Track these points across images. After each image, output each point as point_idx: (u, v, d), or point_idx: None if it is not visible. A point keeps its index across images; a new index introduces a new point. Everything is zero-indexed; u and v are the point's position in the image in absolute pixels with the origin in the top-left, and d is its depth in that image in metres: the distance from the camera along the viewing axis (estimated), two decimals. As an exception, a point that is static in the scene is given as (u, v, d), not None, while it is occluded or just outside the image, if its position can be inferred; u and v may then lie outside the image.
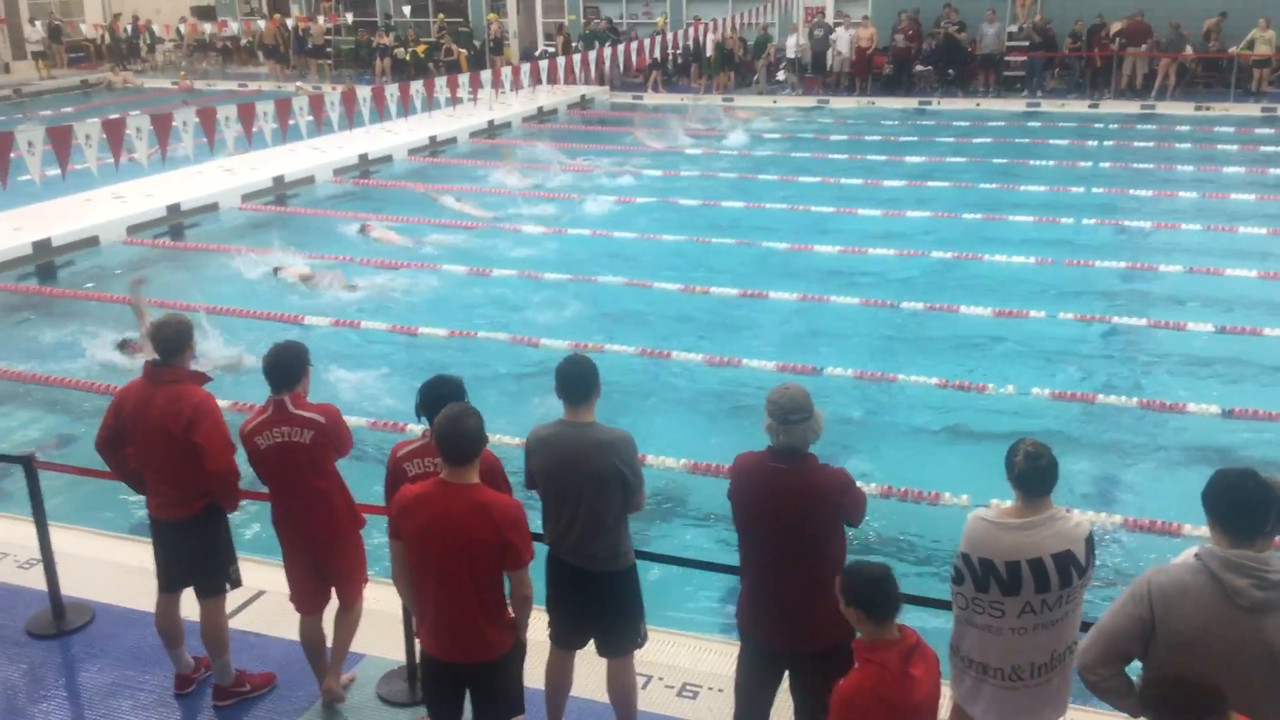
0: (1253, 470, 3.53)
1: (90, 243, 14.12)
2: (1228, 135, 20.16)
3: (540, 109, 24.28)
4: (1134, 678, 3.62)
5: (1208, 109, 22.83)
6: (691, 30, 26.88)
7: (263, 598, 6.03)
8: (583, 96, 25.95)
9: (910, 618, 5.56)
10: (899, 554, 6.99)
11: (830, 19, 27.49)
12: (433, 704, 4.44)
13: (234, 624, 5.51)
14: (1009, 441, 3.96)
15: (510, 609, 4.23)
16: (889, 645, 3.62)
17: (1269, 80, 23.97)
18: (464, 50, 28.90)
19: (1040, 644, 3.92)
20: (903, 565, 6.88)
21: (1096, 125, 21.78)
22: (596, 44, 26.28)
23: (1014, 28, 25.52)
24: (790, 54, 26.84)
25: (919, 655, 3.66)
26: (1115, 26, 24.28)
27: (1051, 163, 18.19)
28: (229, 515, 5.22)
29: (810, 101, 25.49)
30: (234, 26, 32.75)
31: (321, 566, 5.06)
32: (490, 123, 22.55)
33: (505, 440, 7.79)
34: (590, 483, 4.50)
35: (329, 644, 5.21)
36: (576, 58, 23.87)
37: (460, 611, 4.13)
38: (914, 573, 6.70)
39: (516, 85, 22.50)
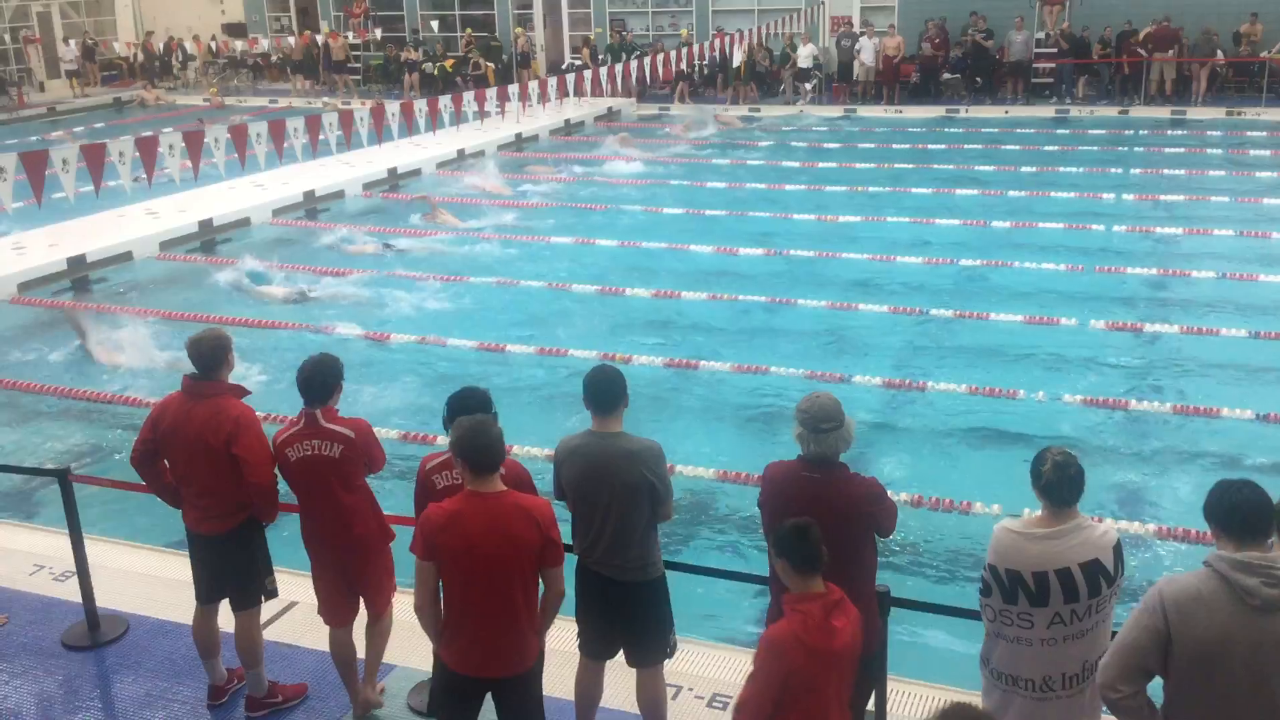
0: (1249, 480, 3.53)
1: (124, 258, 14.29)
2: (1260, 140, 19.96)
3: (567, 121, 24.38)
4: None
5: (1239, 114, 22.61)
6: (717, 42, 26.92)
7: (294, 609, 6.07)
8: (609, 109, 26.03)
9: (942, 627, 5.56)
10: (930, 564, 6.96)
11: (857, 28, 27.45)
12: None
13: (266, 635, 5.54)
14: (1039, 448, 3.93)
15: (540, 612, 4.26)
16: (814, 598, 3.80)
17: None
18: (491, 64, 29.08)
19: (1071, 654, 3.89)
20: (934, 575, 6.86)
21: (1126, 132, 21.63)
22: (623, 57, 26.38)
23: (1042, 35, 25.39)
24: (802, 64, 26.87)
25: (841, 610, 3.83)
26: (1143, 32, 24.10)
27: (1081, 169, 18.07)
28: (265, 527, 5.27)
29: (837, 111, 25.45)
30: (264, 43, 33.11)
31: (351, 579, 5.09)
32: (518, 135, 22.67)
33: (534, 452, 7.83)
34: (619, 493, 4.52)
35: (359, 656, 5.24)
36: (603, 70, 23.96)
37: (506, 622, 4.15)
38: (946, 583, 6.67)
39: (544, 98, 22.61)
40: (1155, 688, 3.55)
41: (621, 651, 4.79)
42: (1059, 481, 3.82)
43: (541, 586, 4.23)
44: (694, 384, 9.89)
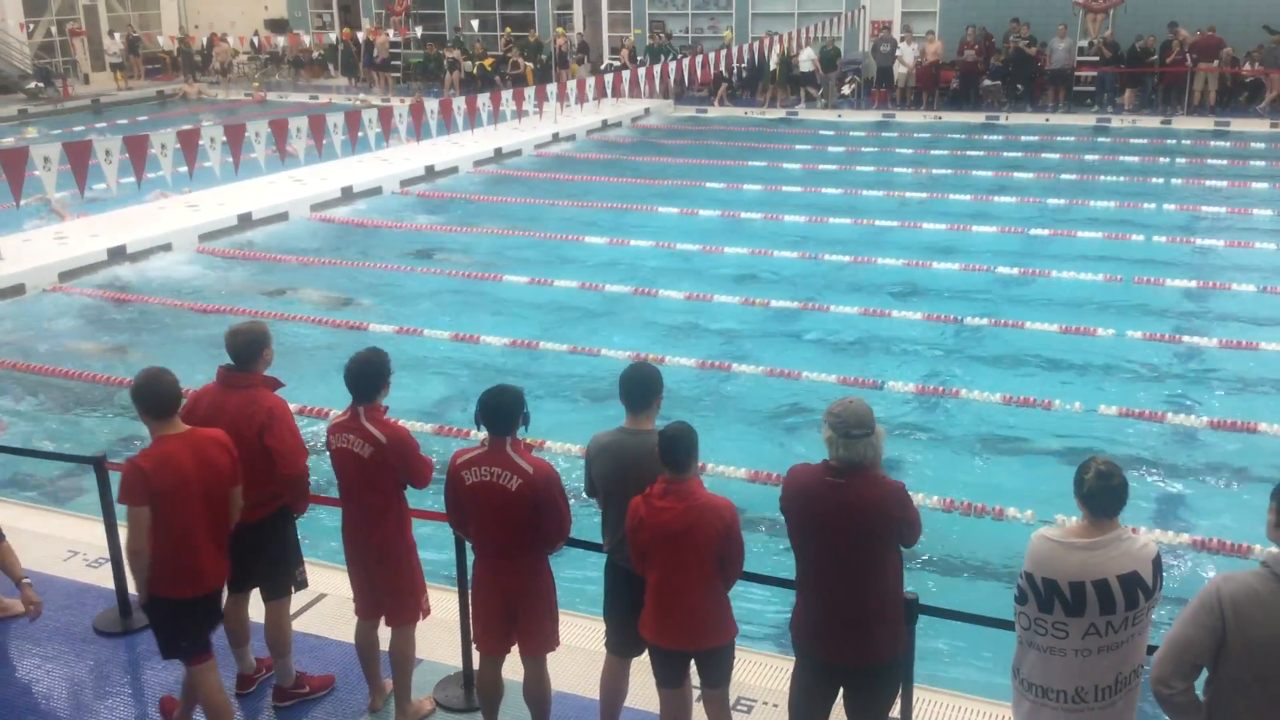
0: None
1: (164, 249, 14.44)
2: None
3: (604, 122, 24.41)
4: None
5: (1285, 125, 22.32)
6: (757, 45, 26.89)
7: (324, 600, 6.11)
8: (646, 110, 26.04)
9: (971, 635, 5.51)
10: (962, 569, 6.91)
11: (897, 33, 27.33)
12: None
13: (296, 626, 5.58)
14: (1074, 458, 3.90)
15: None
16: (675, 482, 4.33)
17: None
18: (530, 64, 29.17)
19: (1105, 666, 3.85)
20: (965, 580, 6.81)
21: (1169, 141, 21.39)
22: (661, 58, 26.39)
23: (1084, 43, 25.16)
24: (803, 68, 26.80)
25: (676, 498, 4.29)
26: (1179, 37, 23.83)
27: (1122, 179, 17.88)
28: (296, 517, 5.30)
29: (876, 116, 25.34)
30: (306, 39, 33.37)
31: (371, 580, 5.05)
32: (555, 135, 22.73)
33: (569, 449, 7.84)
34: (648, 491, 4.50)
35: (384, 649, 5.24)
36: (641, 71, 23.97)
37: (219, 542, 4.92)
38: (976, 588, 6.62)
39: (581, 98, 22.64)
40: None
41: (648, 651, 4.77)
42: (1102, 491, 3.77)
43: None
44: (727, 386, 9.87)
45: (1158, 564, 3.83)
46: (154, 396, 4.67)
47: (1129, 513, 3.84)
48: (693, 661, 4.61)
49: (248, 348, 5.04)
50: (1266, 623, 3.37)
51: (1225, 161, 19.27)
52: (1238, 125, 22.66)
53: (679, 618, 4.42)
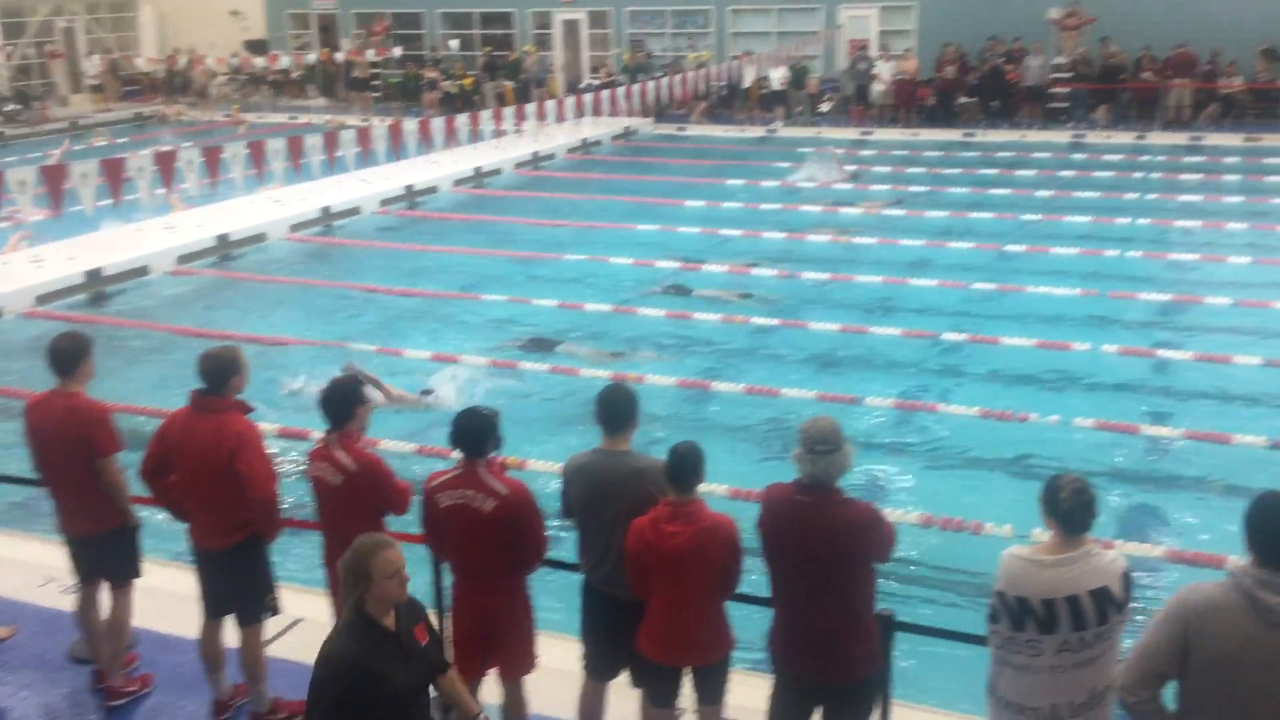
0: None
1: (140, 272, 14.39)
2: (1278, 167, 19.86)
3: (584, 141, 24.49)
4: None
5: (1258, 140, 22.55)
6: (735, 64, 27.07)
7: (301, 625, 6.08)
8: (626, 128, 26.13)
9: (950, 650, 5.53)
10: (940, 584, 6.94)
11: (874, 51, 27.56)
12: None
13: (272, 651, 5.55)
14: (1051, 471, 3.93)
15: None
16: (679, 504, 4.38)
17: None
18: (510, 84, 29.23)
19: (1079, 682, 3.87)
20: (944, 595, 6.83)
21: (1143, 157, 21.57)
22: (640, 77, 26.51)
23: (1060, 59, 25.40)
24: (775, 87, 27.00)
25: (685, 521, 4.35)
26: (1159, 58, 24.17)
27: (1097, 194, 18.03)
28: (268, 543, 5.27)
29: (854, 133, 25.49)
30: (285, 60, 33.36)
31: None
32: (535, 154, 22.77)
33: (545, 466, 7.84)
34: (625, 511, 4.52)
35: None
36: (620, 90, 24.07)
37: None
38: (955, 603, 6.64)
39: (560, 117, 22.71)
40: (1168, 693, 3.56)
41: (626, 673, 4.77)
42: (1075, 509, 3.81)
43: None
44: (707, 404, 9.89)
45: (1127, 578, 3.87)
46: (52, 354, 5.35)
47: (1105, 525, 3.87)
48: (687, 680, 4.61)
49: (219, 372, 5.03)
50: (1230, 634, 3.41)
51: (1199, 176, 19.44)
52: (1211, 140, 22.89)
53: (685, 635, 4.44)
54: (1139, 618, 4.76)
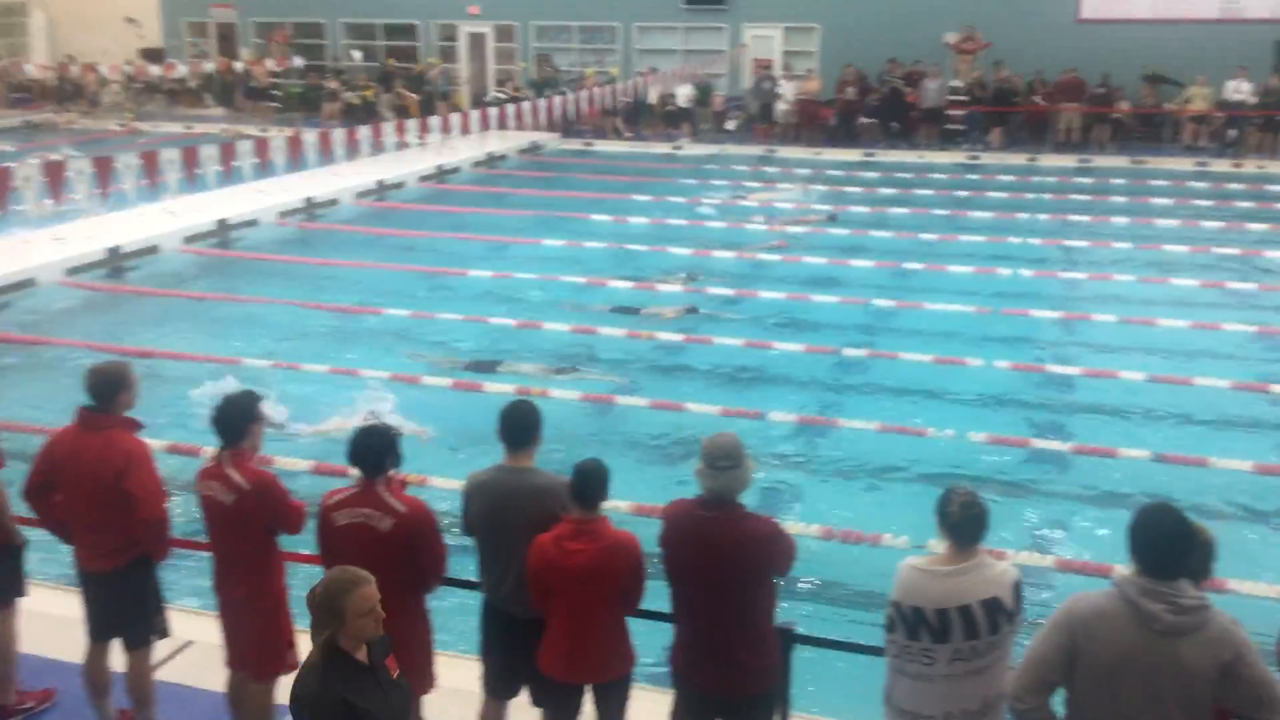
0: (1176, 509, 3.61)
1: (27, 284, 13.89)
2: (1162, 188, 20.68)
3: (490, 154, 24.37)
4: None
5: (1143, 162, 23.44)
6: (641, 80, 27.27)
7: (192, 648, 5.90)
8: (533, 143, 26.09)
9: (849, 662, 5.61)
10: (840, 596, 7.04)
11: (778, 71, 28.00)
12: None
13: (162, 675, 5.39)
14: (947, 484, 4.02)
15: None
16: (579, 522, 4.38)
17: (1204, 135, 24.71)
18: (414, 96, 28.99)
19: (971, 690, 3.96)
20: (843, 608, 6.93)
21: (1034, 178, 22.25)
22: (547, 91, 26.53)
23: (956, 83, 26.10)
24: (680, 103, 27.37)
25: (590, 538, 4.35)
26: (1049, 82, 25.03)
27: (991, 214, 18.53)
28: (157, 564, 5.12)
29: (759, 150, 25.82)
30: (182, 69, 32.60)
31: (238, 631, 4.90)
32: (439, 168, 22.58)
33: (451, 484, 7.75)
34: (526, 529, 4.49)
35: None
36: (527, 105, 24.04)
37: None
38: (855, 615, 6.74)
39: (465, 130, 22.58)
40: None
41: (526, 691, 4.74)
42: (966, 521, 3.92)
43: None
44: (612, 419, 9.89)
45: (1018, 588, 3.97)
46: None
47: (997, 536, 3.97)
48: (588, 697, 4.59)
49: (107, 387, 4.87)
50: (1115, 642, 3.50)
51: (1088, 197, 20.12)
52: (1099, 162, 23.72)
53: (587, 652, 4.41)
54: (1031, 626, 4.88)
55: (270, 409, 9.25)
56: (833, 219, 17.99)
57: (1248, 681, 3.44)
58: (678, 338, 11.99)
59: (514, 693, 4.76)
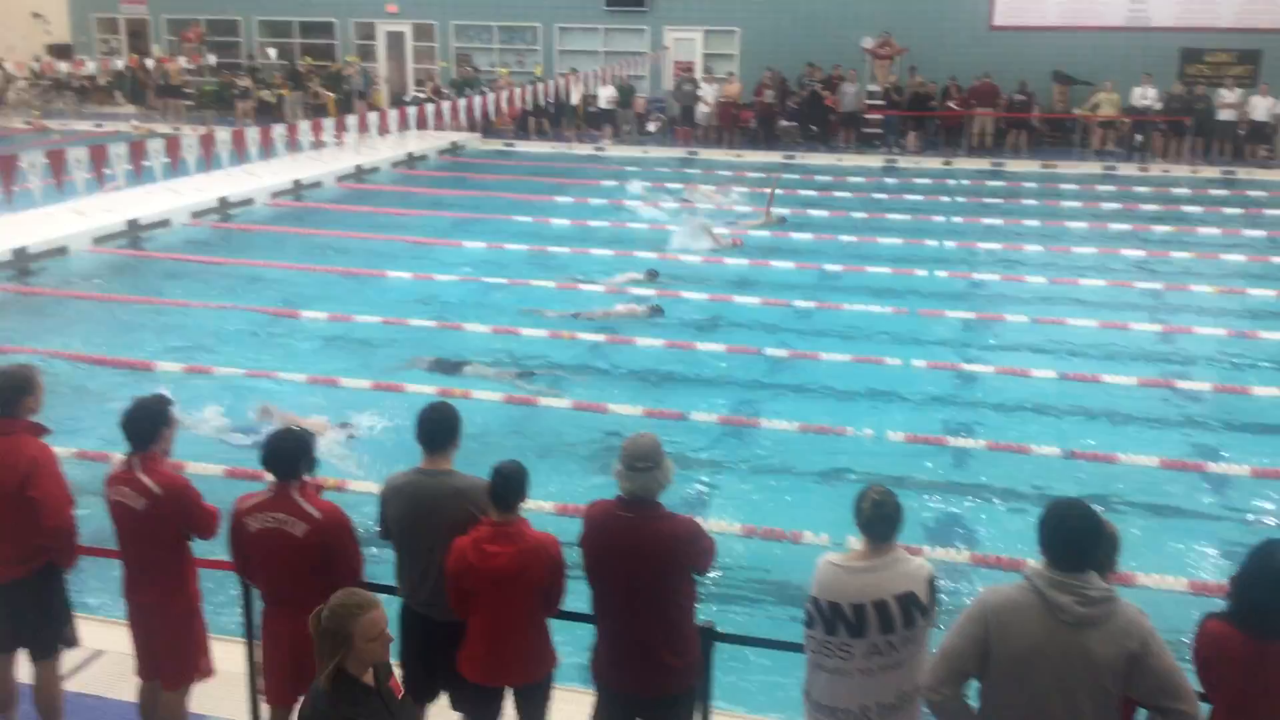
0: (1084, 504, 3.71)
1: (-74, 286, 13.42)
2: (1071, 192, 21.21)
3: (410, 155, 24.13)
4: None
5: (1054, 166, 24.03)
6: (563, 81, 27.23)
7: (103, 658, 5.76)
8: (453, 143, 25.89)
9: (769, 659, 5.67)
10: (761, 593, 7.09)
11: (699, 74, 28.17)
12: None
13: (71, 686, 5.25)
14: (866, 481, 4.08)
15: None
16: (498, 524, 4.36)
17: (1112, 140, 25.43)
18: (331, 94, 28.59)
19: (888, 684, 4.02)
20: (765, 605, 6.98)
21: (949, 181, 22.67)
22: (467, 91, 26.35)
23: (874, 87, 26.50)
24: (602, 104, 27.54)
25: (508, 541, 4.32)
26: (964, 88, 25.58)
27: (908, 216, 18.84)
28: (65, 573, 4.98)
29: (680, 152, 25.94)
30: (91, 66, 31.71)
31: (150, 638, 4.80)
32: (358, 167, 22.30)
33: (367, 488, 7.66)
34: (445, 532, 4.46)
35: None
36: (446, 105, 23.85)
37: None
38: (775, 612, 6.80)
39: (384, 129, 22.33)
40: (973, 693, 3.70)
41: (445, 695, 4.70)
42: (877, 519, 3.98)
43: None
44: (534, 420, 9.86)
45: (932, 583, 4.04)
46: None
47: (914, 533, 4.04)
48: (509, 699, 4.57)
49: (11, 391, 4.73)
50: (1027, 633, 3.59)
51: (1000, 200, 20.56)
52: (1011, 166, 24.26)
53: (507, 655, 4.39)
54: (947, 619, 4.97)
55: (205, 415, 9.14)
56: (783, 221, 18.09)
57: (1154, 671, 3.54)
58: (600, 338, 11.99)
59: (433, 696, 4.72)
